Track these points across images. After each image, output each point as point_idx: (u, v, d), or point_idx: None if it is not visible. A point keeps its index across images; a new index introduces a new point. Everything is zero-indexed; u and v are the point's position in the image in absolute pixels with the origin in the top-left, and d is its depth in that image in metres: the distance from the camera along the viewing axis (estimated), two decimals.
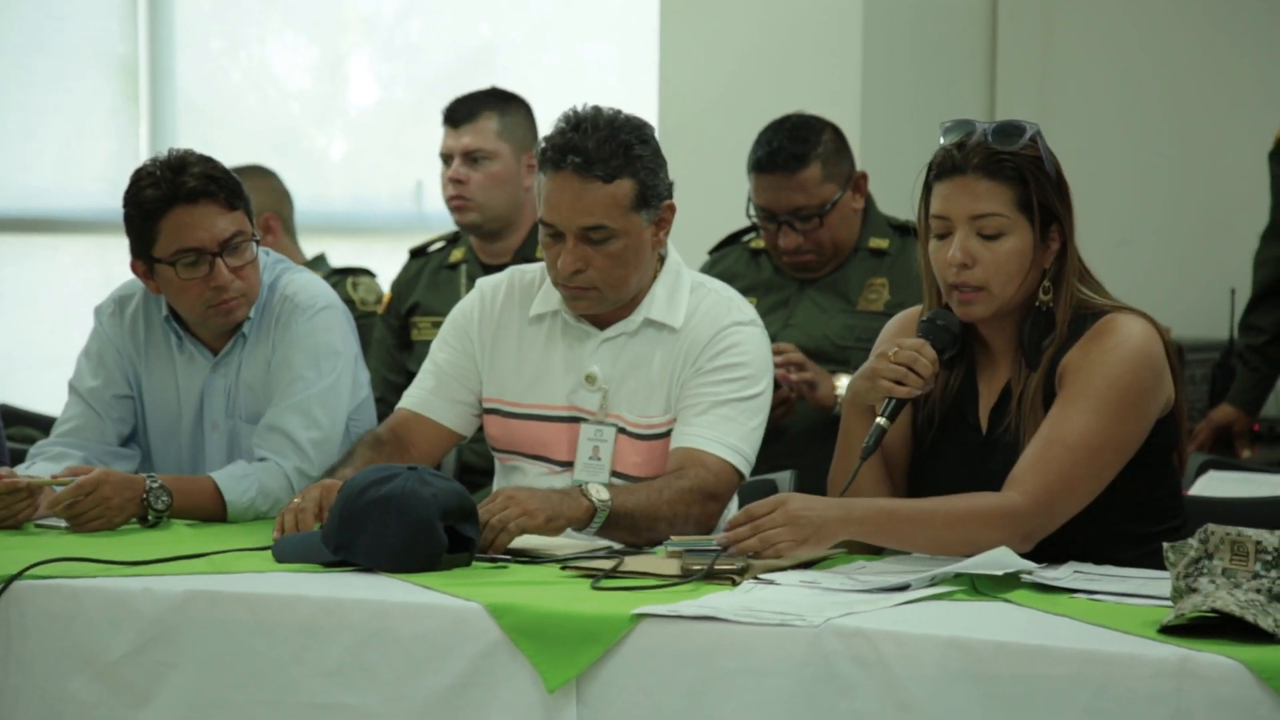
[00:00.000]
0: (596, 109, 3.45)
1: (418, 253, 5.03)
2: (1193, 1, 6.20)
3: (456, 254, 4.97)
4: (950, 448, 3.17)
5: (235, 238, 3.67)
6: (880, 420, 3.09)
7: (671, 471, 3.42)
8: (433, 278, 4.94)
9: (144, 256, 3.70)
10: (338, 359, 3.78)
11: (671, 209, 3.51)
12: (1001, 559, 2.85)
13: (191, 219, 3.65)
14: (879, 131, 5.79)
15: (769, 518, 2.94)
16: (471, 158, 4.87)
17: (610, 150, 3.41)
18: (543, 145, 3.45)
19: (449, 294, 4.84)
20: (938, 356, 3.10)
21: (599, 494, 3.29)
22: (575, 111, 3.46)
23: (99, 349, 3.86)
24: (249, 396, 3.79)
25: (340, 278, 5.15)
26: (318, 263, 5.47)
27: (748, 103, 5.61)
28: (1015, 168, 3.09)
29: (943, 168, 3.13)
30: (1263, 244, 5.20)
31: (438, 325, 4.85)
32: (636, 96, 6.12)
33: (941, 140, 3.15)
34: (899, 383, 3.07)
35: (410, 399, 3.65)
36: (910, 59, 6.05)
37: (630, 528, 3.33)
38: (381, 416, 4.71)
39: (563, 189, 3.42)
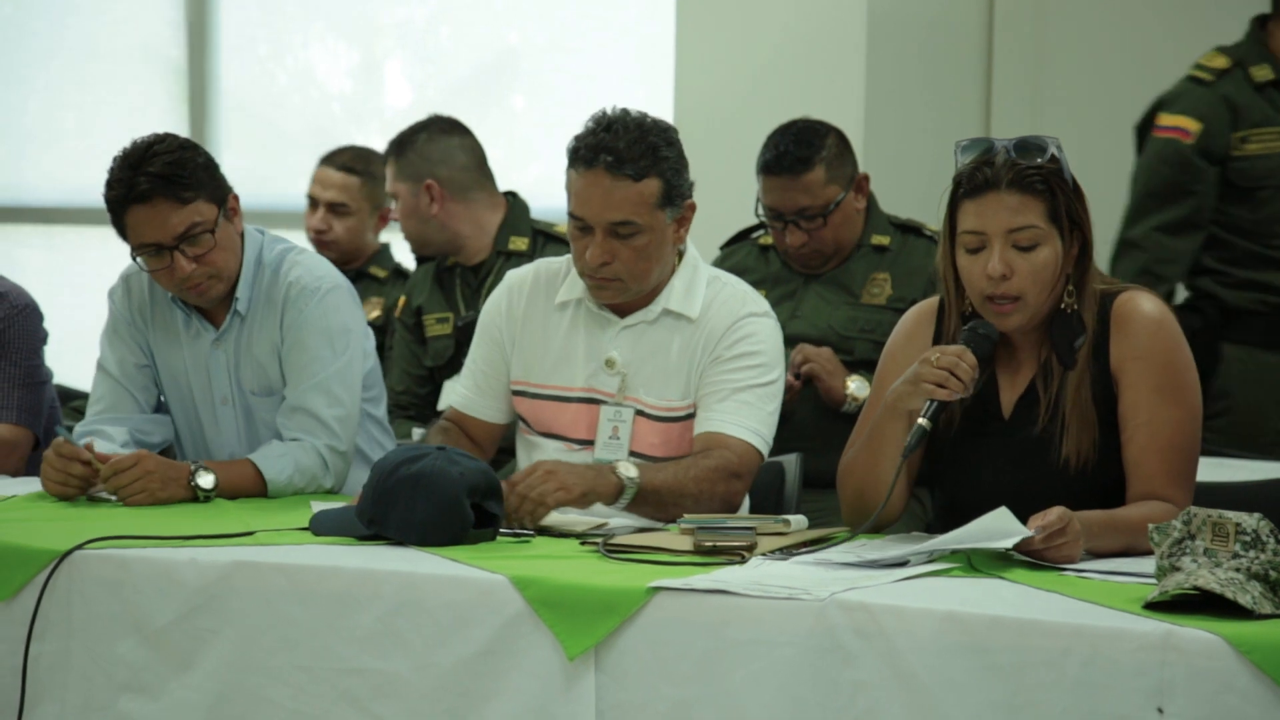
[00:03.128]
0: (625, 111, 3.45)
1: (423, 259, 5.07)
2: (1176, 12, 6.18)
3: (451, 260, 4.98)
4: (973, 437, 3.14)
5: (191, 229, 3.62)
6: (921, 421, 3.04)
7: (698, 452, 3.42)
8: (435, 280, 4.95)
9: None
10: (349, 336, 3.76)
11: (692, 207, 3.51)
12: (1004, 524, 2.81)
13: (146, 217, 3.61)
14: (881, 135, 5.76)
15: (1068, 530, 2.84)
16: (393, 198, 4.96)
17: (640, 151, 3.40)
18: (574, 144, 3.45)
19: (449, 293, 4.89)
20: (977, 363, 3.07)
21: (627, 472, 3.30)
22: (605, 113, 3.45)
23: (114, 325, 3.84)
24: (257, 372, 3.76)
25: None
26: (382, 255, 5.51)
27: (757, 108, 5.58)
28: (1044, 181, 3.06)
29: (973, 184, 3.08)
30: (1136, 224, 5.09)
31: (442, 320, 4.91)
32: (653, 101, 6.10)
33: (958, 158, 3.11)
34: (941, 385, 3.04)
35: (457, 399, 3.68)
36: (910, 67, 6.02)
37: (657, 503, 3.33)
38: (405, 408, 4.73)
39: (594, 185, 3.41)
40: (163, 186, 3.60)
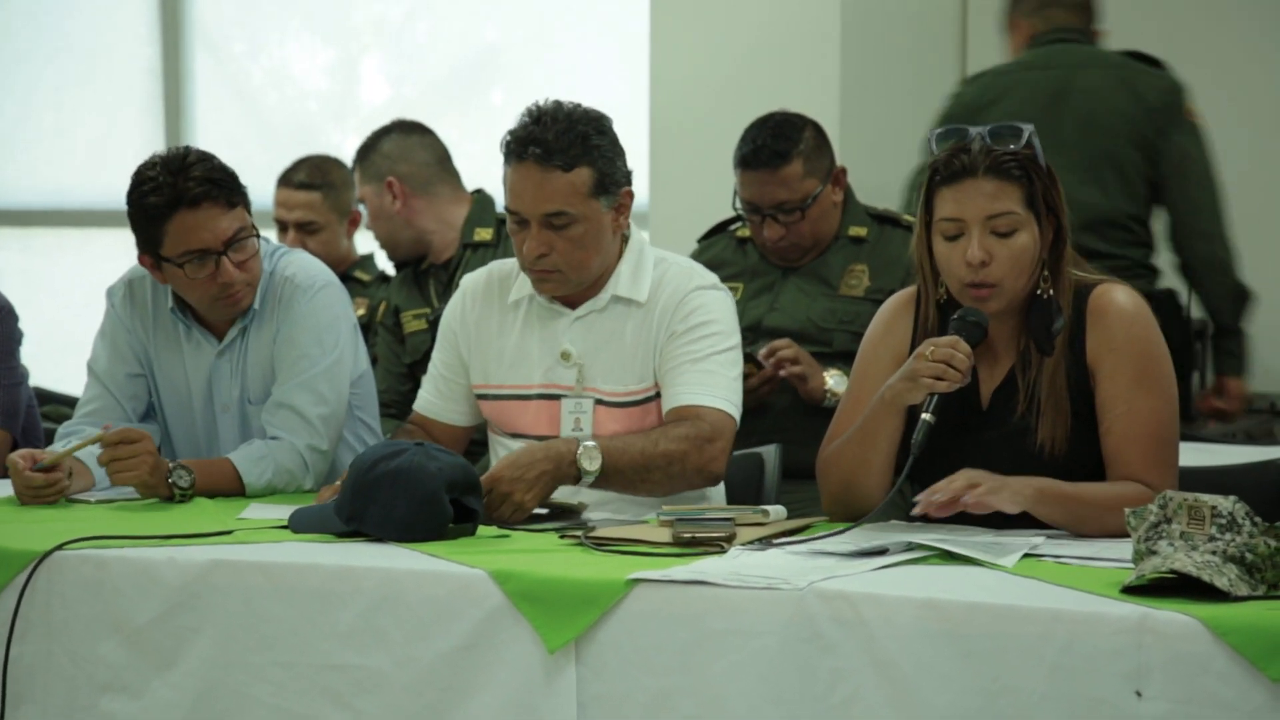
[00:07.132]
0: (557, 103, 3.46)
1: (400, 265, 5.09)
2: (1147, 3, 6.20)
3: (426, 262, 5.00)
4: (952, 429, 3.12)
5: (238, 234, 3.62)
6: (925, 416, 3.05)
7: (668, 422, 3.44)
8: (411, 281, 4.98)
9: (151, 254, 3.66)
10: (339, 336, 3.76)
11: (630, 195, 3.52)
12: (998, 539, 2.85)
13: (195, 222, 3.59)
14: (857, 127, 5.77)
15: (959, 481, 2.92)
16: (362, 203, 5.01)
17: (569, 141, 3.41)
18: (506, 138, 3.46)
19: (424, 290, 4.94)
20: (971, 351, 3.08)
21: (588, 465, 3.32)
22: (537, 106, 3.47)
23: (111, 330, 3.83)
24: (262, 379, 3.75)
25: None
26: (366, 262, 5.51)
27: (733, 101, 5.59)
28: (1020, 167, 3.08)
29: (950, 171, 3.09)
30: None
31: (419, 317, 4.93)
32: (630, 95, 6.11)
33: (934, 147, 3.13)
34: (939, 378, 3.05)
35: (422, 404, 3.69)
36: (886, 59, 6.03)
37: (624, 482, 3.36)
38: (387, 405, 4.73)
39: (525, 178, 3.43)
40: (213, 190, 3.58)
